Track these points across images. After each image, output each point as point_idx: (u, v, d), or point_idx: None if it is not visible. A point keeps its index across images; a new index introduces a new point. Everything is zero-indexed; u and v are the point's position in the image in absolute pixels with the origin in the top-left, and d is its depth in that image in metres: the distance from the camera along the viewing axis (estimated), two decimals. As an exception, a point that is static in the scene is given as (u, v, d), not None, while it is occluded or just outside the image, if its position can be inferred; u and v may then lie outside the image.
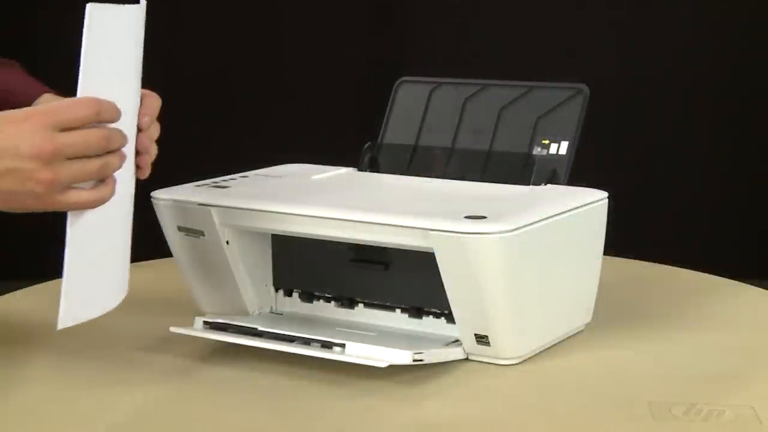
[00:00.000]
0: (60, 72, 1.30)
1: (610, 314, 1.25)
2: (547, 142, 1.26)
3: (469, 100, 1.32)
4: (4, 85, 1.25)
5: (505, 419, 1.00)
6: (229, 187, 1.25)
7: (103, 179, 1.00)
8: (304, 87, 2.98)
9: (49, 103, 0.98)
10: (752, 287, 1.38)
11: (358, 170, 1.35)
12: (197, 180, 1.27)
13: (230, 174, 1.31)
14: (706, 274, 1.45)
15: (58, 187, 0.97)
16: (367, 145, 1.35)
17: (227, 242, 1.20)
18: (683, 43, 3.03)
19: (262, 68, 2.98)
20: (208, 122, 2.98)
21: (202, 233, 1.20)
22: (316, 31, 2.97)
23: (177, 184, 1.25)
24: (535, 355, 1.14)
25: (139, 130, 1.05)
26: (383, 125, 1.35)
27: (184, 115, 2.90)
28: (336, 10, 2.96)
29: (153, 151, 1.07)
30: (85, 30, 0.97)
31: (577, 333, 1.20)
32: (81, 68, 0.98)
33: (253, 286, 1.23)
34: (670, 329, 1.23)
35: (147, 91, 1.07)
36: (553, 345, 1.16)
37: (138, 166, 1.06)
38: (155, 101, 1.08)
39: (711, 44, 3.03)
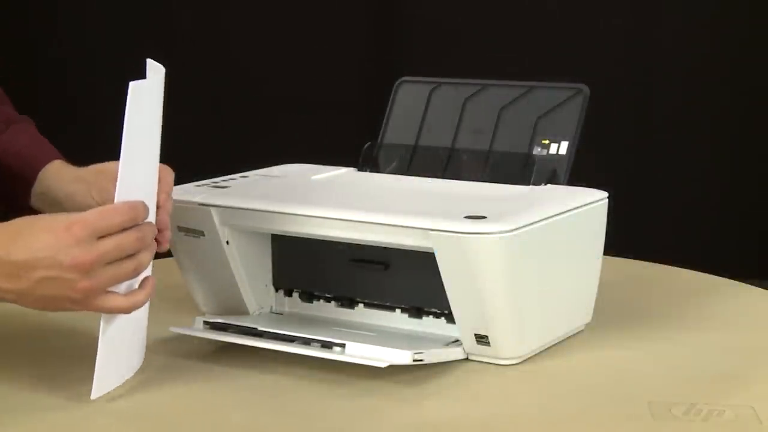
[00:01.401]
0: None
1: (610, 314, 1.25)
2: (547, 142, 1.26)
3: (469, 100, 1.32)
4: (13, 147, 1.26)
5: (505, 419, 1.00)
6: (229, 187, 1.25)
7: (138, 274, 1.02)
8: (304, 87, 2.98)
9: (85, 213, 0.99)
10: (752, 287, 1.38)
11: (358, 170, 1.35)
12: (197, 180, 1.27)
13: (230, 174, 1.31)
14: (706, 274, 1.45)
15: (96, 293, 0.99)
16: (367, 145, 1.35)
17: (227, 242, 1.20)
18: (684, 43, 3.03)
19: (262, 68, 2.98)
20: (208, 122, 2.98)
21: (202, 233, 1.20)
22: (316, 31, 2.97)
23: (177, 184, 1.25)
24: (535, 355, 1.14)
25: (158, 206, 1.07)
26: (383, 125, 1.35)
27: (183, 116, 2.90)
28: (336, 10, 2.96)
29: (169, 225, 1.09)
30: (126, 114, 0.98)
31: (577, 333, 1.20)
32: (120, 165, 0.99)
33: (253, 286, 1.23)
34: (670, 329, 1.23)
35: (162, 165, 1.08)
36: (553, 345, 1.16)
37: (157, 242, 1.06)
38: (170, 176, 1.10)
39: (711, 44, 3.03)
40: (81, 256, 0.97)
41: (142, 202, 1.01)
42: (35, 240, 0.97)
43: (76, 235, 0.97)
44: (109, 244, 0.98)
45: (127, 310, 1.02)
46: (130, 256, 1.00)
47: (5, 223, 1.01)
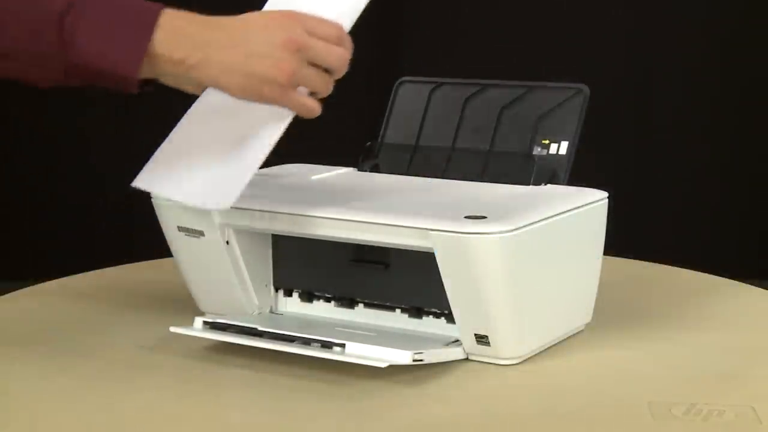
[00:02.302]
0: None
1: (610, 314, 1.25)
2: (547, 142, 1.26)
3: (469, 100, 1.32)
4: None
5: (505, 419, 1.00)
6: (229, 187, 1.25)
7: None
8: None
9: (302, 13, 1.07)
10: (752, 287, 1.38)
11: (358, 170, 1.35)
12: (197, 180, 1.27)
13: (230, 174, 1.31)
14: (706, 274, 1.45)
15: (294, 83, 1.06)
16: (367, 145, 1.35)
17: (227, 242, 1.20)
18: (683, 43, 3.03)
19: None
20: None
21: (202, 233, 1.20)
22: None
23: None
24: (535, 355, 1.14)
25: None
26: (383, 125, 1.35)
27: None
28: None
29: None
30: None
31: (577, 333, 1.20)
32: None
33: (253, 286, 1.23)
34: (670, 329, 1.23)
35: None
36: (553, 345, 1.16)
37: None
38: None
39: (711, 44, 3.03)
40: (294, 36, 1.04)
41: (348, 36, 1.08)
42: (254, 20, 1.06)
43: (289, 21, 1.06)
44: (319, 44, 1.06)
45: (313, 112, 1.10)
46: (327, 71, 1.08)
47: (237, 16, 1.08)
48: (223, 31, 1.05)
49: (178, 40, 1.04)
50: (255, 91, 1.06)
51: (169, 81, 1.07)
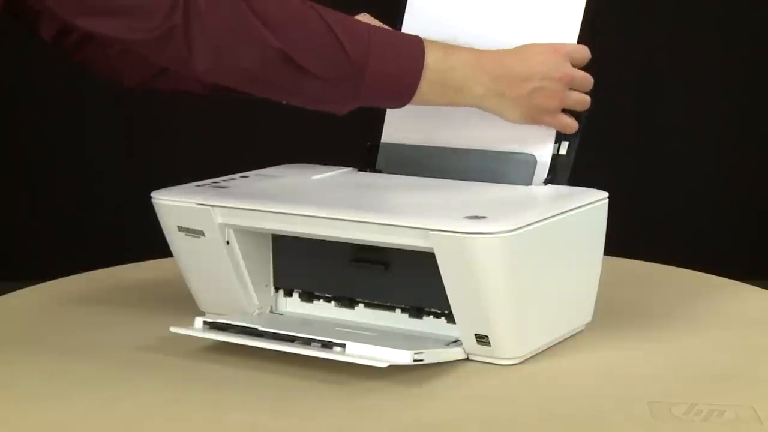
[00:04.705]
0: None
1: (610, 314, 1.25)
2: (547, 142, 1.26)
3: (469, 100, 1.31)
4: None
5: (505, 419, 1.00)
6: (229, 187, 1.25)
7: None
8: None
9: (563, 43, 1.24)
10: (752, 287, 1.38)
11: (358, 170, 1.35)
12: (197, 180, 1.27)
13: (230, 174, 1.31)
14: (706, 274, 1.45)
15: (561, 106, 1.23)
16: (367, 145, 1.35)
17: (227, 242, 1.20)
18: (683, 43, 3.03)
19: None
20: (208, 122, 2.98)
21: (202, 233, 1.20)
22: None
23: (177, 184, 1.25)
24: (536, 355, 1.14)
25: None
26: (383, 125, 1.35)
27: (184, 115, 2.90)
28: (337, 9, 2.96)
29: None
30: None
31: (577, 333, 1.20)
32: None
33: (253, 286, 1.23)
34: (670, 329, 1.23)
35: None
36: (553, 345, 1.16)
37: None
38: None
39: (711, 44, 3.03)
40: (568, 71, 1.22)
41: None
42: (531, 58, 1.21)
43: (559, 56, 1.22)
44: (579, 73, 1.23)
45: (573, 130, 1.23)
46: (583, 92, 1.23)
47: (504, 49, 1.22)
48: (511, 71, 1.20)
49: (452, 70, 1.19)
50: (532, 118, 1.22)
51: (432, 100, 1.20)
